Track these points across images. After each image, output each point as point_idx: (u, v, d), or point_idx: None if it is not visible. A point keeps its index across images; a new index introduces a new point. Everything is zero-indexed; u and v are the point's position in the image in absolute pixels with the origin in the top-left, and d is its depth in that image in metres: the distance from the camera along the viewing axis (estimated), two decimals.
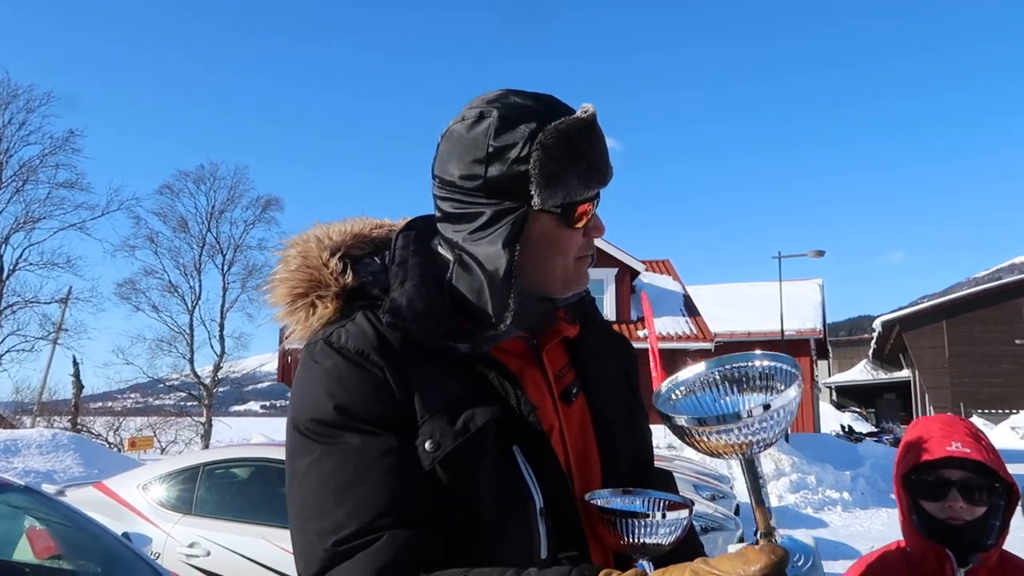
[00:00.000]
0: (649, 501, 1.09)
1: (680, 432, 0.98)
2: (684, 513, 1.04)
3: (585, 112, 1.04)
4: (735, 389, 1.05)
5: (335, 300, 1.10)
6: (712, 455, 0.98)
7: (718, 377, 1.06)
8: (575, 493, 1.07)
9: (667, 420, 0.99)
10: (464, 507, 0.99)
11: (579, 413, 1.15)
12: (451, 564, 0.94)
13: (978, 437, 1.61)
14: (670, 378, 1.08)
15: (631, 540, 1.01)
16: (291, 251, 1.15)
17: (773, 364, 1.02)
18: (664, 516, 1.02)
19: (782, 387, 0.99)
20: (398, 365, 1.01)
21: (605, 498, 1.08)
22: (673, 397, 1.06)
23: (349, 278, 1.11)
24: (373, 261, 1.16)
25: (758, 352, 1.05)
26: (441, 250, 1.13)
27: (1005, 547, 1.60)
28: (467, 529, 0.99)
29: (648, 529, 1.01)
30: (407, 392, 1.00)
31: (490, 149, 1.04)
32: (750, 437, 0.93)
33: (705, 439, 0.95)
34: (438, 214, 1.12)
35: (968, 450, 1.55)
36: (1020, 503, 1.61)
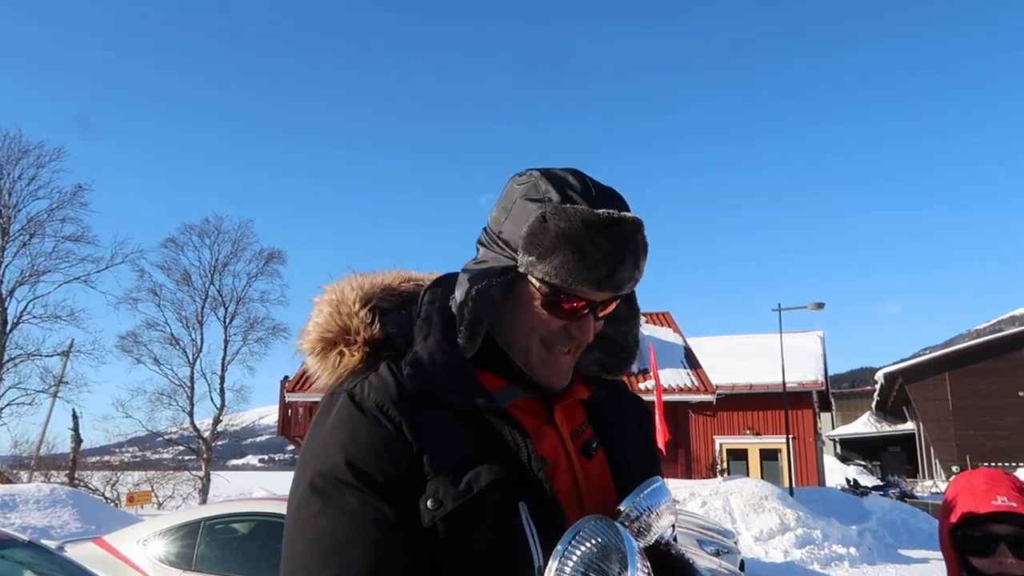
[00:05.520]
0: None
1: None
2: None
3: (607, 213, 1.05)
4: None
5: (362, 349, 1.13)
6: None
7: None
8: None
9: None
10: (462, 564, 1.00)
11: (599, 468, 1.18)
12: None
13: (1023, 491, 1.60)
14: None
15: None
16: (324, 299, 1.19)
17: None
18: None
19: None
20: (414, 420, 1.03)
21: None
22: None
23: (376, 329, 1.14)
24: (400, 314, 1.19)
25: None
26: None
27: None
28: None
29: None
30: (420, 448, 1.02)
31: (514, 205, 1.10)
32: None
33: None
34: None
35: (1014, 504, 1.54)
36: None
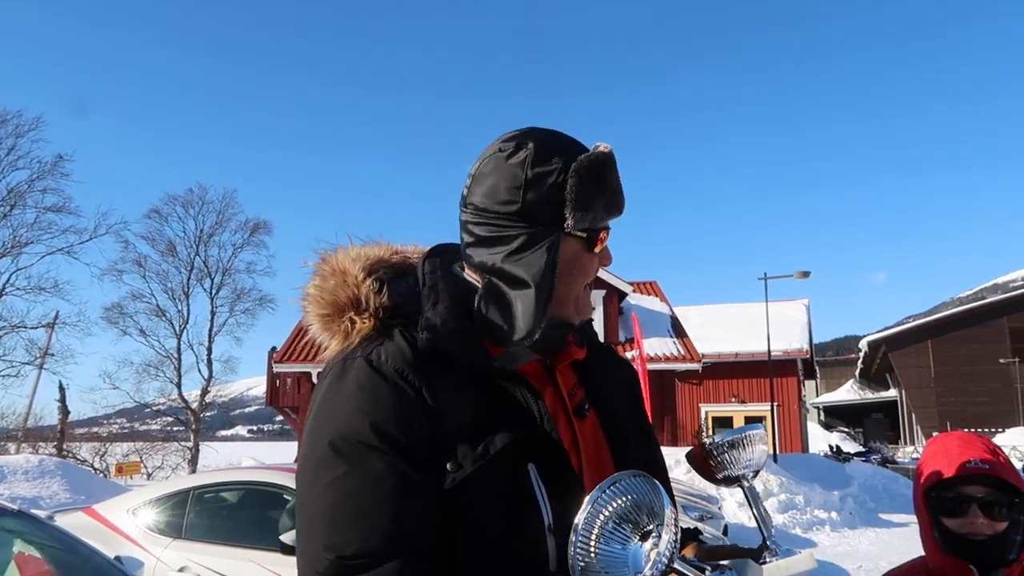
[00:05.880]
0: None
1: None
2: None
3: (607, 148, 1.15)
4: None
5: (373, 318, 1.15)
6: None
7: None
8: None
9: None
10: (477, 522, 1.04)
11: (591, 428, 1.22)
12: None
13: (996, 453, 1.62)
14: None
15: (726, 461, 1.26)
16: (326, 268, 1.20)
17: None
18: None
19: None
20: (431, 384, 1.07)
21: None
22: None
23: (385, 297, 1.16)
24: (400, 284, 1.21)
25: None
26: (466, 275, 1.20)
27: None
28: (479, 542, 1.04)
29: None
30: (438, 412, 1.06)
31: (528, 176, 1.12)
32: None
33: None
34: (470, 239, 1.17)
35: (987, 466, 1.57)
36: None
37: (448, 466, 1.04)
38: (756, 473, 1.28)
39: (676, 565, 0.96)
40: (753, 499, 1.24)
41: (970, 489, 1.58)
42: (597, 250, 1.18)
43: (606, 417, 1.24)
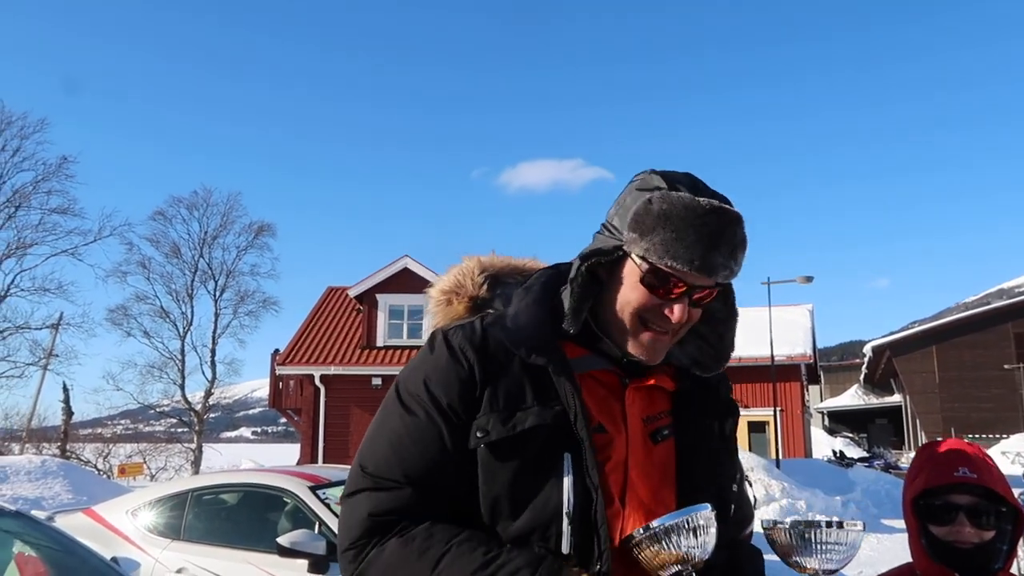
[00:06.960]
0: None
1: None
2: (858, 530, 1.26)
3: (707, 201, 1.17)
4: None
5: (466, 302, 1.37)
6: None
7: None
8: (615, 508, 1.21)
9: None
10: (498, 490, 1.18)
11: (664, 454, 1.28)
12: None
13: (985, 462, 1.63)
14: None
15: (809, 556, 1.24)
16: (456, 264, 1.44)
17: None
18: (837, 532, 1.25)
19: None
20: (486, 364, 1.22)
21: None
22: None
23: (484, 290, 1.38)
24: (515, 287, 1.37)
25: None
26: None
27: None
28: (499, 509, 1.18)
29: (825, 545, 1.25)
30: (482, 387, 1.21)
31: (627, 197, 1.25)
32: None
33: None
34: None
35: (975, 475, 1.57)
36: None
37: (477, 433, 1.19)
38: (831, 573, 1.25)
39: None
40: None
41: (958, 497, 1.58)
42: (656, 291, 1.19)
43: (683, 449, 1.29)
